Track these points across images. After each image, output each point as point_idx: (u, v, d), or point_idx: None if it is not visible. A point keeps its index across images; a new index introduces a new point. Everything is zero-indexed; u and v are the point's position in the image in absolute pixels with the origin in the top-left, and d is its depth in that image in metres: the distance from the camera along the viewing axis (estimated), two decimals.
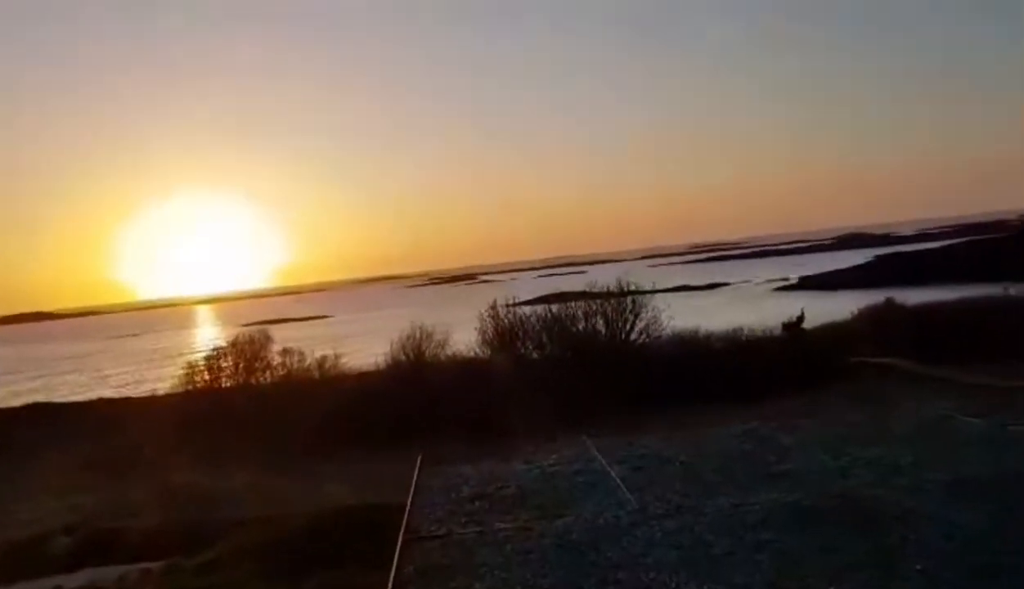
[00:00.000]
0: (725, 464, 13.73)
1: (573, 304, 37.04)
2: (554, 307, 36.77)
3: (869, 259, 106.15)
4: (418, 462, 14.31)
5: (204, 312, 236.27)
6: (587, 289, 39.64)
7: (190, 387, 34.36)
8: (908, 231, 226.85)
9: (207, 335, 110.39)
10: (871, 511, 11.05)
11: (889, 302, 42.82)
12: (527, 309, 38.71)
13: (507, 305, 36.52)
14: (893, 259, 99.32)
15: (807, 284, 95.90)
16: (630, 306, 35.81)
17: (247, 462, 24.45)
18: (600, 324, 35.42)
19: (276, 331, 41.34)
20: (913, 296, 46.47)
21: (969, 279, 58.23)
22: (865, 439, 14.78)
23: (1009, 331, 31.93)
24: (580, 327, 35.35)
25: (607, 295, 36.77)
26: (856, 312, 43.60)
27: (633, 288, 37.54)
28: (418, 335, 34.78)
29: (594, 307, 35.89)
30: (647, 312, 35.57)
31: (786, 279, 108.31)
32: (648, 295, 37.16)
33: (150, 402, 34.41)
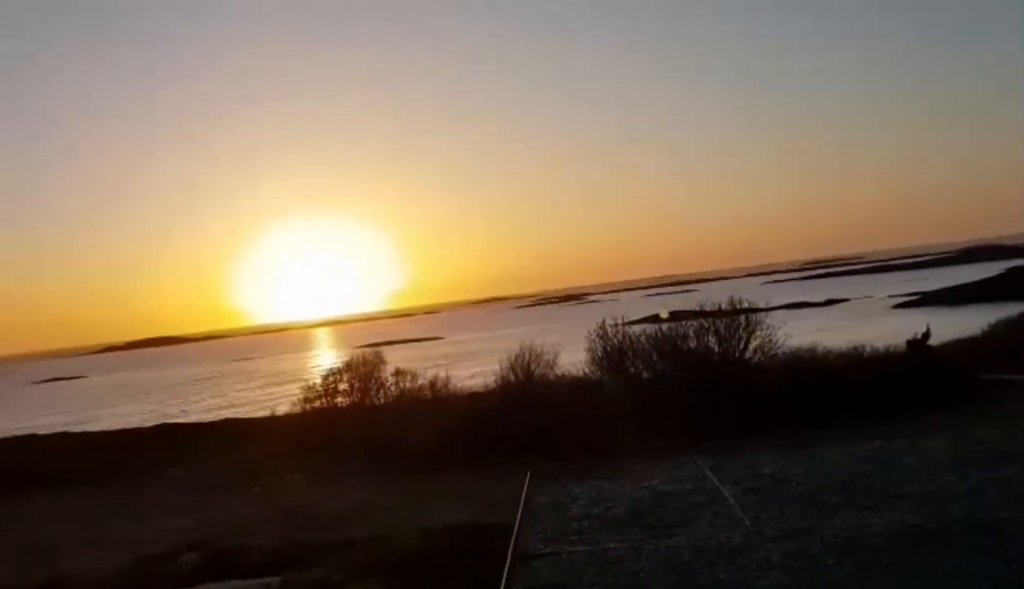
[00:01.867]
0: (845, 485, 13.20)
1: (684, 322, 36.45)
2: (664, 326, 36.26)
3: (999, 272, 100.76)
4: (527, 480, 14.27)
5: (320, 335, 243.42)
6: (698, 307, 38.95)
7: (307, 407, 35.26)
8: None
9: (323, 357, 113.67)
10: (1001, 533, 10.42)
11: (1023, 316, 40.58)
12: (636, 328, 38.33)
13: (616, 324, 36.21)
14: None
15: (931, 299, 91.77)
16: (743, 324, 34.98)
17: (361, 481, 24.87)
18: (712, 342, 34.69)
19: (389, 352, 42.06)
20: None
21: None
22: (996, 458, 13.99)
23: None
24: (692, 345, 34.70)
25: (719, 314, 36.02)
26: (987, 327, 41.51)
27: (746, 306, 36.69)
28: (527, 355, 34.81)
29: (706, 325, 35.20)
30: (761, 330, 34.67)
31: (909, 294, 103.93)
32: (762, 312, 36.22)
33: (268, 422, 35.40)
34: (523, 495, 13.63)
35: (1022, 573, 9.13)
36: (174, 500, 25.65)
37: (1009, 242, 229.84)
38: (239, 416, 44.84)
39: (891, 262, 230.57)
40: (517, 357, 35.13)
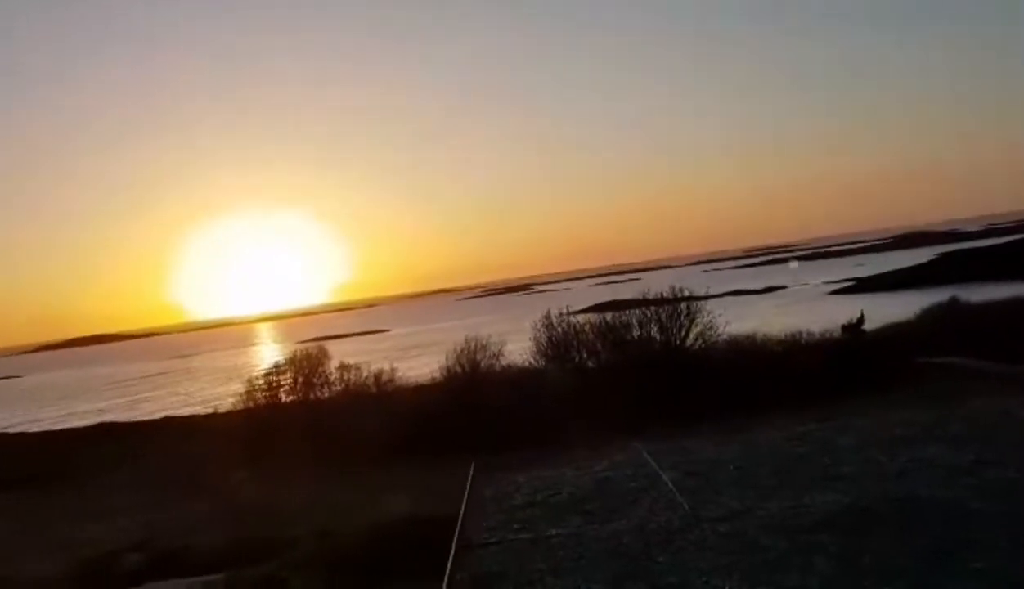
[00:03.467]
0: (781, 467, 13.60)
1: (627, 312, 36.84)
2: (608, 315, 36.65)
3: (931, 257, 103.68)
4: (471, 471, 14.43)
5: (261, 330, 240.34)
6: (641, 296, 39.41)
7: (251, 404, 34.95)
8: (974, 227, 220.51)
9: (265, 353, 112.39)
10: (930, 512, 10.85)
11: (953, 300, 41.84)
12: (581, 318, 38.68)
13: (561, 314, 36.51)
14: (957, 256, 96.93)
15: (866, 285, 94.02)
16: (685, 312, 35.52)
17: (307, 476, 24.82)
18: (655, 331, 35.19)
19: (333, 347, 41.95)
20: (979, 294, 45.37)
21: None
22: (925, 439, 14.52)
23: None
24: (635, 335, 35.15)
25: (661, 302, 36.53)
26: (919, 312, 42.73)
27: (687, 294, 37.27)
28: (472, 347, 34.93)
29: (648, 314, 35.67)
30: (702, 318, 35.25)
31: (844, 280, 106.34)
32: (703, 300, 36.86)
33: (212, 420, 35.04)
34: (467, 486, 13.77)
35: (950, 550, 9.53)
36: (118, 500, 25.30)
37: (938, 229, 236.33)
38: (182, 414, 44.22)
39: (827, 249, 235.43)
40: (463, 349, 35.24)
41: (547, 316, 36.32)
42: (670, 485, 12.85)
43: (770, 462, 13.97)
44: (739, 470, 13.60)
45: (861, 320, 36.73)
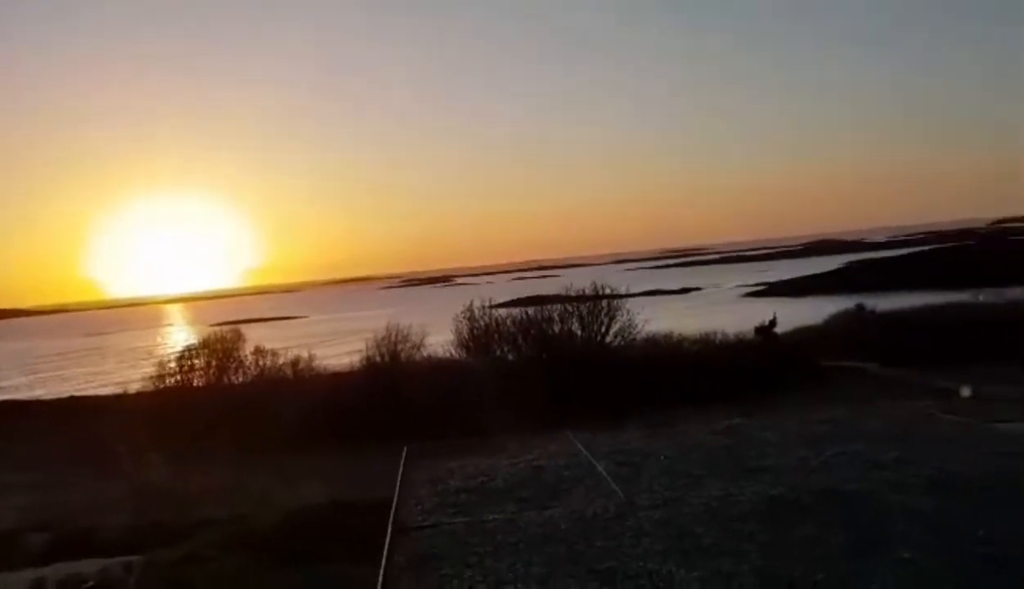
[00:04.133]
0: (709, 459, 13.84)
1: (549, 307, 37.04)
2: (530, 310, 36.79)
3: (840, 265, 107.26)
4: (403, 457, 14.27)
5: (176, 311, 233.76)
6: (562, 292, 39.69)
7: (162, 385, 33.99)
8: (880, 238, 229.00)
9: (180, 334, 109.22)
10: (852, 504, 11.19)
11: (860, 307, 43.41)
12: (502, 311, 38.75)
13: (483, 307, 36.50)
14: (864, 265, 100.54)
15: (777, 289, 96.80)
16: (605, 309, 35.93)
17: (220, 460, 24.22)
18: (576, 326, 35.50)
19: (249, 331, 40.99)
20: (884, 302, 47.15)
21: (940, 286, 59.21)
22: (844, 435, 14.98)
23: (978, 336, 32.55)
24: (556, 329, 35.39)
25: (582, 298, 36.87)
26: (827, 317, 44.20)
27: (608, 291, 37.73)
28: (393, 336, 34.64)
29: (570, 310, 35.94)
30: (622, 315, 35.71)
31: (756, 284, 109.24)
32: (622, 298, 37.36)
33: (121, 400, 33.89)
34: (400, 471, 13.61)
35: (876, 540, 9.84)
36: (16, 478, 24.21)
37: (848, 238, 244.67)
38: (89, 393, 42.61)
39: (740, 253, 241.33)
40: (383, 338, 34.92)
41: (469, 309, 36.29)
42: (604, 474, 12.94)
43: (698, 454, 14.20)
44: (670, 460, 13.79)
45: (773, 322, 37.82)
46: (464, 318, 36.08)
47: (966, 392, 22.52)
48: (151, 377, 34.71)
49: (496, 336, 35.67)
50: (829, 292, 75.78)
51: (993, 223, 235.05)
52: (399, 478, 13.11)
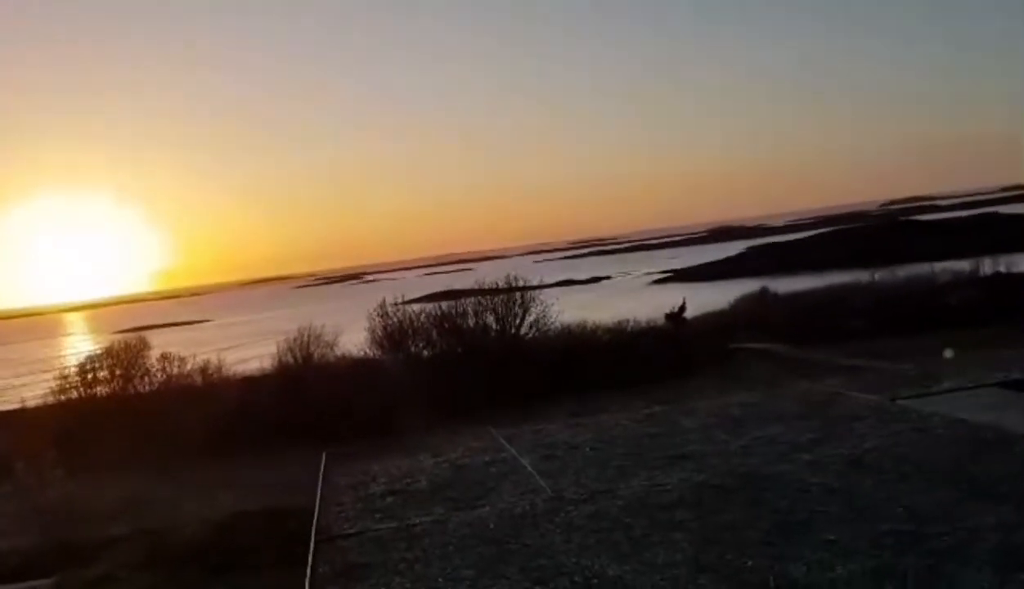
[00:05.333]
0: (633, 448, 13.90)
1: (462, 301, 36.86)
2: (444, 305, 36.54)
3: (742, 251, 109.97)
4: (323, 462, 13.90)
5: (74, 320, 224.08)
6: (475, 286, 39.50)
7: (62, 398, 32.47)
8: (778, 223, 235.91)
9: (78, 344, 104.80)
10: (773, 486, 11.38)
11: (764, 291, 44.57)
12: (416, 307, 38.36)
13: (396, 304, 36.07)
14: (766, 250, 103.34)
15: (684, 276, 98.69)
16: (519, 301, 35.95)
17: (127, 473, 23.26)
18: (491, 320, 35.39)
19: (153, 337, 39.52)
20: (785, 284, 48.56)
21: (836, 267, 61.29)
22: (761, 419, 15.27)
23: (872, 313, 33.84)
24: (471, 324, 35.22)
25: (495, 291, 36.79)
26: (733, 301, 45.24)
27: (521, 283, 37.73)
28: (305, 337, 33.91)
29: (484, 303, 35.83)
30: (536, 307, 35.78)
31: (663, 271, 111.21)
32: (536, 290, 37.47)
33: (18, 415, 32.23)
34: (320, 476, 13.25)
35: (801, 521, 10.01)
36: None
37: (748, 224, 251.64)
38: None
39: (646, 242, 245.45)
40: (295, 339, 34.13)
41: (382, 305, 35.81)
42: (529, 469, 12.86)
43: (623, 443, 14.26)
44: (595, 451, 13.81)
45: (683, 308, 38.44)
46: (377, 315, 35.61)
47: (948, 354, 23.28)
48: (51, 390, 33.14)
49: (410, 332, 35.31)
50: (733, 276, 77.65)
51: (883, 205, 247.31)
52: (320, 483, 12.76)
